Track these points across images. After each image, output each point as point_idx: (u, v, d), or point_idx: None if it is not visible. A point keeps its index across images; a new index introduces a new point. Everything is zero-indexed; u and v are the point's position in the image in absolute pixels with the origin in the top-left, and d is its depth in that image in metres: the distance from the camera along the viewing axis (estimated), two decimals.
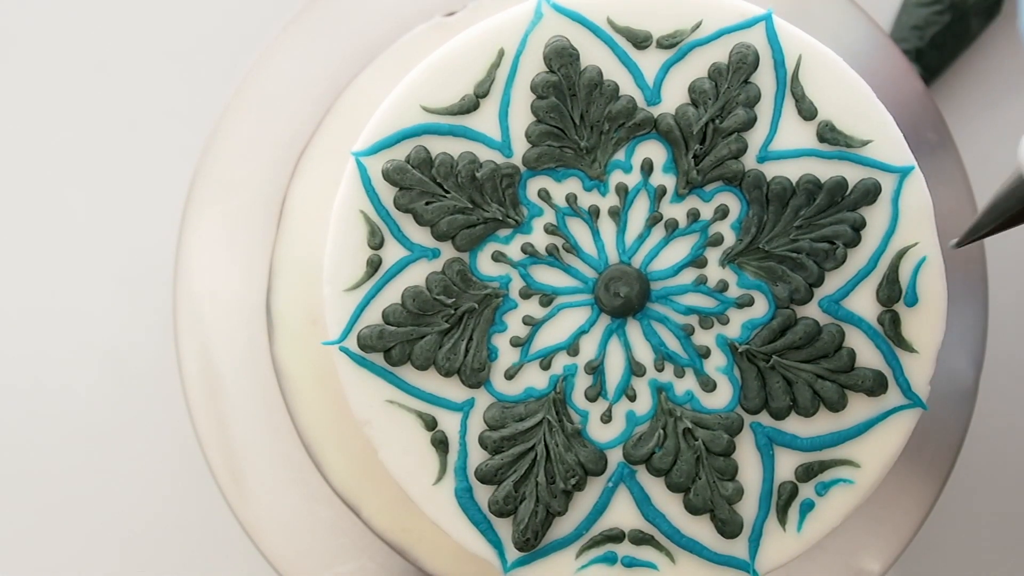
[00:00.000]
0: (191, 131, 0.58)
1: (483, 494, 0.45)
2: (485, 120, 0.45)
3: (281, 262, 0.52)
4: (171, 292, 0.53)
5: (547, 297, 0.45)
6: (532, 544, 0.44)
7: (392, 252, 0.45)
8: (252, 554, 0.53)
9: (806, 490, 0.45)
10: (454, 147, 0.45)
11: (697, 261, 0.45)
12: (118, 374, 0.60)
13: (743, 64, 0.45)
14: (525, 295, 0.45)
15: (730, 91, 0.45)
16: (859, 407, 0.45)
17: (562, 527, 0.45)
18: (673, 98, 0.45)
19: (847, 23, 0.53)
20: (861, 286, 0.45)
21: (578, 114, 0.45)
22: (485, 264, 0.45)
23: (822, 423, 0.45)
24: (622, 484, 0.45)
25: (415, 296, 0.45)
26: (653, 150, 0.45)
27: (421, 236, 0.45)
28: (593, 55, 0.45)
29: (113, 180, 0.60)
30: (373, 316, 0.45)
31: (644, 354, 0.45)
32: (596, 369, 0.45)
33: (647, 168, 0.45)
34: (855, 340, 0.45)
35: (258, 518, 0.52)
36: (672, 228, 0.45)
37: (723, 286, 0.45)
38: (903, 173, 0.45)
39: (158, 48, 0.61)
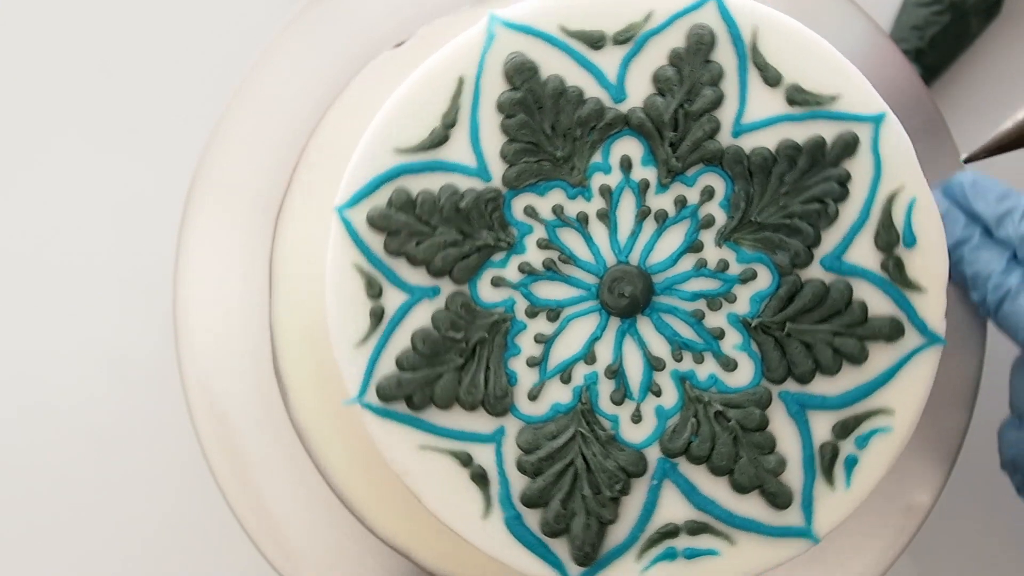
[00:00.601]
0: (191, 132, 0.58)
1: (533, 518, 0.44)
2: (458, 149, 0.45)
3: (281, 265, 0.52)
4: (171, 294, 0.52)
5: (554, 311, 0.45)
6: (592, 557, 0.44)
7: (393, 299, 0.45)
8: (252, 554, 0.53)
9: (847, 447, 0.45)
10: (433, 182, 0.45)
11: (693, 246, 0.45)
12: (119, 376, 0.59)
13: (701, 45, 0.45)
14: (531, 314, 0.45)
15: (693, 74, 0.45)
16: (881, 355, 0.45)
17: (617, 534, 0.45)
18: (639, 91, 0.45)
19: (847, 23, 0.53)
20: (858, 238, 0.45)
21: (549, 125, 0.45)
22: (486, 292, 0.45)
23: (848, 379, 0.45)
24: (667, 479, 0.45)
25: (424, 338, 0.44)
26: (629, 146, 0.45)
27: (418, 277, 0.45)
28: (552, 64, 0.45)
29: (113, 181, 0.60)
30: (387, 366, 0.44)
31: (660, 348, 0.45)
32: (616, 372, 0.45)
33: (626, 165, 0.45)
34: (863, 291, 0.45)
35: (259, 519, 0.52)
36: (663, 219, 0.45)
37: (724, 265, 0.45)
38: (877, 120, 0.45)
39: (159, 49, 0.60)
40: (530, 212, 0.45)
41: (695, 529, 0.45)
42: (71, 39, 0.60)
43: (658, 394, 0.45)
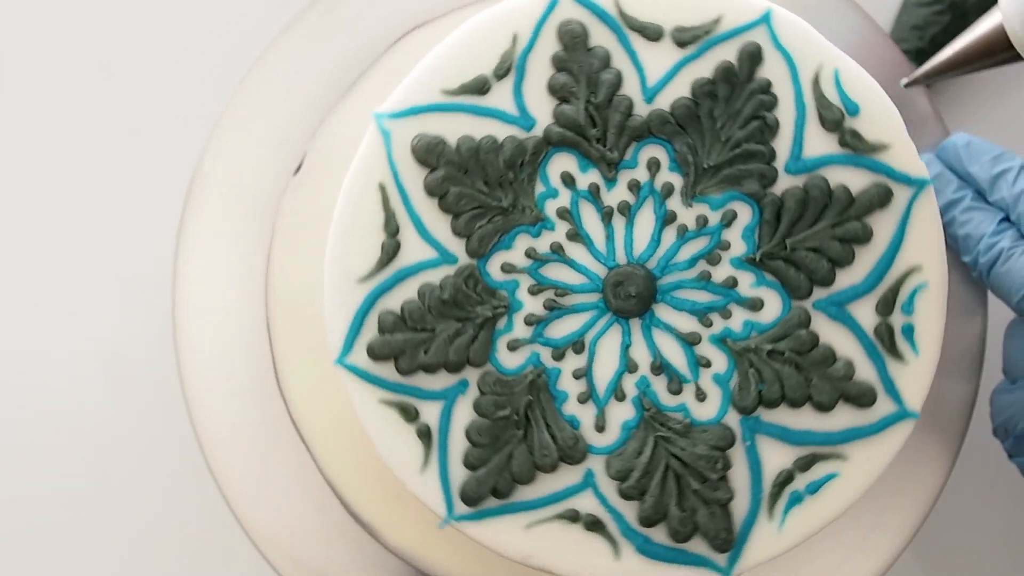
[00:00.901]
0: (191, 132, 0.58)
1: (661, 533, 0.45)
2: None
3: (279, 265, 0.52)
4: (170, 294, 0.53)
5: (578, 343, 0.45)
6: (730, 540, 0.45)
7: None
8: (252, 554, 0.53)
9: (897, 319, 0.45)
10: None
11: (666, 218, 0.45)
12: (117, 376, 0.59)
13: (575, 38, 0.45)
14: (559, 356, 0.45)
15: (590, 66, 0.45)
16: (881, 226, 0.45)
17: (740, 507, 0.45)
18: (543, 110, 0.45)
19: (847, 23, 0.53)
20: (807, 132, 0.45)
21: (481, 181, 0.45)
22: (507, 358, 0.45)
23: (864, 263, 0.45)
24: (758, 435, 0.45)
25: (479, 430, 0.44)
26: (563, 163, 0.45)
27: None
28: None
29: (112, 181, 0.60)
30: (459, 475, 0.45)
31: (687, 324, 0.45)
32: (661, 366, 0.45)
33: (568, 180, 0.45)
34: (837, 175, 0.45)
35: (258, 519, 0.52)
36: (626, 210, 0.45)
37: (703, 221, 0.45)
38: (766, 20, 0.45)
39: (159, 49, 0.60)
40: (507, 269, 0.45)
41: (805, 464, 0.45)
42: (71, 39, 0.60)
43: (708, 365, 0.45)
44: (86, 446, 0.59)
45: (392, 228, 0.45)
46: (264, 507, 0.52)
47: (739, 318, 0.45)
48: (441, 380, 0.45)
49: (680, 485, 0.45)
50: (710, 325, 0.45)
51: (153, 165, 0.59)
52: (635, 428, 0.45)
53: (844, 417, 0.45)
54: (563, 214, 0.45)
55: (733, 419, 0.45)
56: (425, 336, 0.45)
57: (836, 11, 0.53)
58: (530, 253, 0.45)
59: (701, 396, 0.45)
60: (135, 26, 0.60)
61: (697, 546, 0.45)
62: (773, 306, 0.45)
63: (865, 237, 0.45)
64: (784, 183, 0.45)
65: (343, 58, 0.52)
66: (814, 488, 0.45)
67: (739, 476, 0.45)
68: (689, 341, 0.45)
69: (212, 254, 0.52)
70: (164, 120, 0.60)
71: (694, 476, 0.45)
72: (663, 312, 0.45)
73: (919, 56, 0.57)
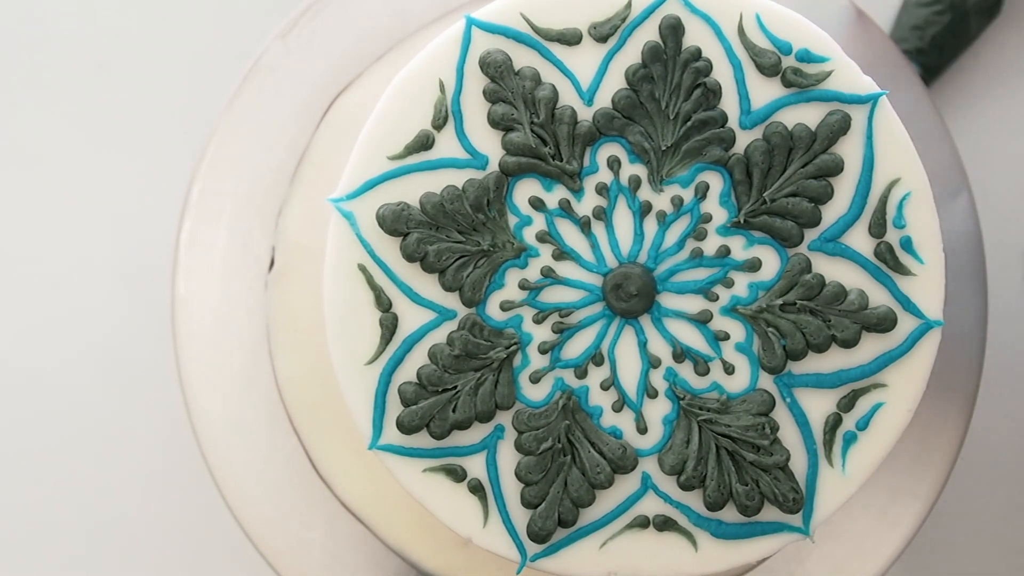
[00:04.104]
0: (191, 132, 0.58)
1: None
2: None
3: (280, 265, 0.52)
4: (170, 293, 0.53)
5: (599, 355, 0.45)
6: (798, 503, 0.45)
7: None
8: (252, 554, 0.53)
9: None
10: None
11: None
12: (117, 376, 0.60)
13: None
14: (606, 386, 0.45)
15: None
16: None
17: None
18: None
19: (847, 23, 0.53)
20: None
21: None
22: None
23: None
24: (794, 389, 0.45)
25: (530, 469, 0.45)
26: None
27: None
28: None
29: (112, 181, 0.60)
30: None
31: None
32: (682, 354, 0.45)
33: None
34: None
35: (257, 518, 0.52)
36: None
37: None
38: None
39: (158, 49, 0.61)
40: (507, 307, 0.45)
41: (848, 403, 0.45)
42: (71, 40, 0.61)
43: (727, 338, 0.45)
44: (85, 445, 0.60)
45: (385, 303, 0.45)
46: (262, 506, 0.52)
47: (742, 283, 0.45)
48: (477, 433, 0.45)
49: (736, 461, 0.45)
50: (716, 299, 0.45)
51: (153, 164, 0.60)
52: (676, 420, 0.45)
53: (872, 346, 0.45)
54: (543, 237, 0.45)
55: (767, 382, 0.45)
56: (449, 395, 0.45)
57: (836, 11, 0.52)
58: (523, 284, 0.45)
59: (729, 369, 0.45)
60: (135, 26, 0.61)
61: (770, 514, 0.45)
62: (771, 262, 0.45)
63: (837, 168, 0.45)
64: (744, 140, 0.45)
65: (344, 57, 0.53)
66: (864, 424, 0.45)
67: (790, 435, 0.45)
68: (702, 320, 0.45)
69: (212, 253, 0.53)
70: (164, 119, 0.60)
71: (747, 448, 0.45)
72: (668, 300, 0.45)
73: (919, 56, 0.57)
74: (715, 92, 0.45)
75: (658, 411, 0.45)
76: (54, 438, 0.60)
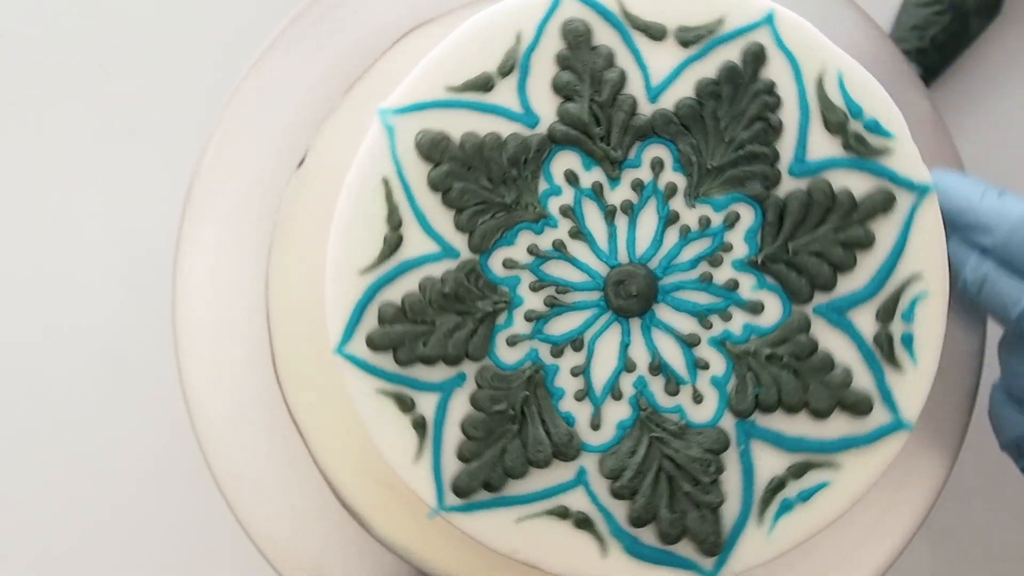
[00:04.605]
0: (191, 131, 0.58)
1: (649, 534, 0.45)
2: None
3: (280, 263, 0.53)
4: (170, 293, 0.53)
5: (578, 340, 0.45)
6: (718, 544, 0.44)
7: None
8: (252, 553, 0.53)
9: (897, 327, 0.45)
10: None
11: (669, 217, 0.45)
12: (117, 375, 0.60)
13: (578, 36, 0.45)
14: (557, 353, 0.45)
15: (594, 67, 0.45)
16: (883, 231, 0.44)
17: (731, 511, 0.45)
18: (546, 109, 0.45)
19: (847, 23, 0.53)
20: (810, 134, 0.45)
21: (485, 178, 0.45)
22: (506, 354, 0.45)
23: (866, 269, 0.45)
24: (752, 439, 0.45)
25: (475, 424, 0.45)
26: (567, 161, 0.45)
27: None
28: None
29: (113, 180, 0.60)
30: (451, 467, 0.45)
31: (687, 324, 0.45)
32: (660, 366, 0.45)
33: (572, 178, 0.45)
34: (840, 178, 0.45)
35: (257, 518, 0.52)
36: (628, 209, 0.45)
37: (706, 222, 0.45)
38: (769, 21, 0.45)
39: (158, 48, 0.61)
40: (509, 265, 0.45)
41: (798, 471, 0.44)
42: (71, 40, 0.61)
43: (706, 367, 0.45)
44: (85, 444, 0.60)
45: (395, 221, 0.45)
46: (262, 504, 0.52)
47: (739, 321, 0.45)
48: (439, 373, 0.45)
49: (672, 487, 0.44)
50: (710, 327, 0.45)
51: (153, 164, 0.60)
52: (630, 428, 0.45)
53: (839, 425, 0.44)
54: (566, 212, 0.45)
55: (728, 423, 0.45)
56: (424, 328, 0.45)
57: (836, 11, 0.52)
58: (532, 250, 0.45)
59: (698, 398, 0.45)
60: (135, 26, 0.61)
61: (685, 549, 0.45)
62: (773, 310, 0.45)
63: (868, 242, 0.44)
64: (787, 185, 0.45)
65: (343, 57, 0.53)
66: (806, 496, 0.44)
67: (731, 480, 0.45)
68: (688, 342, 0.45)
69: (213, 252, 0.53)
70: (165, 118, 0.60)
71: (686, 478, 0.44)
72: (663, 312, 0.45)
73: (919, 56, 0.56)
74: (775, 130, 0.44)
75: (616, 414, 0.45)
76: (54, 436, 0.60)
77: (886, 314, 0.44)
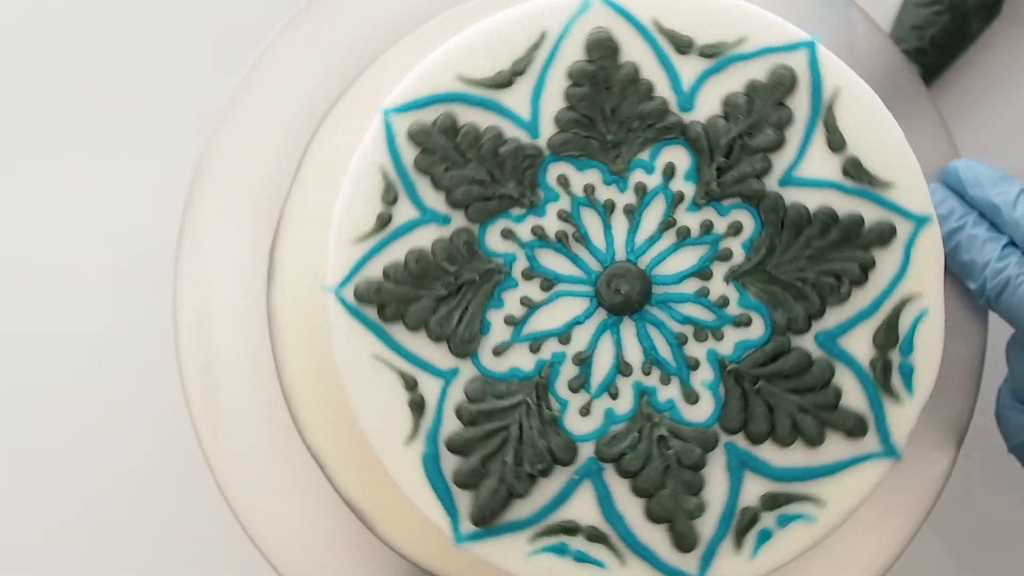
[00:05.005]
0: (191, 131, 0.58)
1: (449, 464, 0.45)
2: (517, 98, 0.45)
3: (280, 262, 0.53)
4: (171, 289, 0.53)
5: (548, 282, 0.45)
6: (488, 521, 0.45)
7: (404, 212, 0.45)
8: (252, 553, 0.53)
9: (767, 519, 0.44)
10: (482, 119, 0.45)
11: (703, 273, 0.45)
12: (118, 375, 0.60)
13: (780, 85, 0.45)
14: (527, 276, 0.45)
15: (763, 110, 0.45)
16: (835, 446, 0.44)
17: (520, 510, 0.45)
18: (705, 107, 0.45)
19: (847, 23, 0.52)
20: (859, 327, 0.44)
21: (609, 108, 0.45)
22: (493, 240, 0.45)
23: (796, 455, 0.44)
24: (588, 479, 0.45)
25: (418, 258, 0.45)
26: (678, 156, 0.45)
27: (435, 201, 0.45)
28: (633, 52, 0.45)
29: (113, 180, 0.60)
30: (374, 271, 0.45)
31: (634, 355, 0.45)
32: (584, 361, 0.45)
33: (669, 172, 0.45)
34: (844, 379, 0.44)
35: (256, 515, 0.52)
36: (684, 236, 0.45)
37: (723, 301, 0.45)
38: (920, 222, 0.44)
39: (158, 48, 0.61)
40: (562, 181, 0.45)
41: (594, 536, 0.45)
42: (71, 39, 0.61)
43: (614, 397, 0.45)
44: (85, 444, 0.60)
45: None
46: (263, 504, 0.53)
47: (670, 392, 0.45)
48: (436, 202, 0.45)
49: (501, 448, 0.45)
50: (647, 373, 0.45)
51: (154, 163, 0.60)
52: (519, 380, 0.45)
53: (828, 448, 0.45)
54: (640, 189, 0.45)
55: (587, 450, 0.45)
56: (458, 160, 0.45)
57: (836, 11, 0.52)
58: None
59: (584, 411, 0.45)
60: (135, 26, 0.60)
61: (462, 500, 0.45)
62: (704, 409, 0.45)
63: (817, 440, 0.44)
64: (805, 341, 0.45)
65: (344, 56, 0.53)
66: (580, 558, 0.45)
67: (543, 492, 0.45)
68: (621, 369, 0.45)
69: (213, 252, 0.53)
70: (165, 118, 0.60)
71: (516, 454, 0.45)
72: (627, 329, 0.45)
73: (919, 56, 0.56)
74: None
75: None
76: (54, 436, 0.60)
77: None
